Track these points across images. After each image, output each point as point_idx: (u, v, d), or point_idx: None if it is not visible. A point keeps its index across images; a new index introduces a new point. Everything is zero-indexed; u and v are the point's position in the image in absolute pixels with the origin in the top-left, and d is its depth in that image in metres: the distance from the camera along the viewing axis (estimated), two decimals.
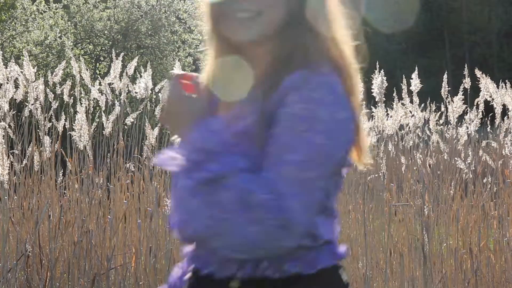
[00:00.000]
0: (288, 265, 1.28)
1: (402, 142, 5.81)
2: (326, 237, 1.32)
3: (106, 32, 13.79)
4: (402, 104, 4.73)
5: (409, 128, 5.76)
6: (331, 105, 1.25)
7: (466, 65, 4.98)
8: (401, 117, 4.66)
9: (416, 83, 4.49)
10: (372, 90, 4.02)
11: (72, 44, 13.24)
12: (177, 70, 1.41)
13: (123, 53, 5.47)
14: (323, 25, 1.34)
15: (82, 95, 4.91)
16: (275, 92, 1.26)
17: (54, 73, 4.73)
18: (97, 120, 5.16)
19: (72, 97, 5.01)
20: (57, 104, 5.03)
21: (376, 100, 4.01)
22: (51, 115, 4.92)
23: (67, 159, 4.52)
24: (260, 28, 1.32)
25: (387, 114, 4.96)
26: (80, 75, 4.76)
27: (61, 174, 4.61)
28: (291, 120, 1.23)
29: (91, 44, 14.27)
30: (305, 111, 1.23)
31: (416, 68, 4.64)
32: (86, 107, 4.35)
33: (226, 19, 1.33)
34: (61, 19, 13.38)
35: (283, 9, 1.32)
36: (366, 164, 1.45)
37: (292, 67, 1.27)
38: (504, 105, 4.54)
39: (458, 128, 4.65)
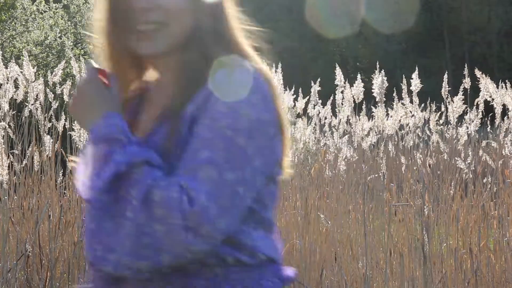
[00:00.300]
0: None
1: (402, 142, 5.81)
2: (267, 254, 1.20)
3: None
4: (402, 104, 4.73)
5: (409, 128, 5.76)
6: (256, 105, 1.17)
7: (466, 65, 4.98)
8: (401, 117, 4.66)
9: (416, 83, 4.49)
10: (372, 90, 4.02)
11: (72, 44, 13.24)
12: (94, 62, 1.30)
13: None
14: (228, 30, 1.28)
15: None
16: (195, 98, 1.18)
17: (54, 73, 4.73)
18: None
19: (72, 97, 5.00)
20: (57, 104, 5.03)
21: (376, 100, 4.01)
22: (51, 115, 4.92)
23: (67, 159, 4.52)
24: (167, 39, 1.25)
25: (387, 114, 4.96)
26: (80, 75, 4.76)
27: (61, 174, 4.61)
28: (212, 118, 1.14)
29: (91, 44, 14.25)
30: (228, 109, 1.14)
31: (416, 68, 4.64)
32: None
33: (130, 32, 1.25)
34: (61, 19, 13.38)
35: (189, 19, 1.25)
36: (286, 174, 1.30)
37: (206, 74, 1.20)
38: (504, 105, 4.54)
39: (458, 128, 4.65)
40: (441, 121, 6.47)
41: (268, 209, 1.23)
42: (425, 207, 3.86)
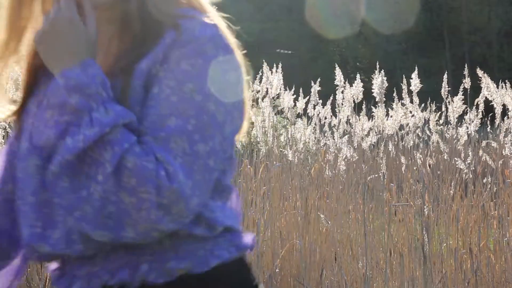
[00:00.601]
0: (172, 263, 1.05)
1: (402, 142, 5.81)
2: (224, 224, 1.09)
3: None
4: (402, 104, 4.74)
5: (409, 128, 5.76)
6: (224, 63, 1.06)
7: (466, 65, 4.98)
8: (401, 117, 4.66)
9: (416, 83, 4.49)
10: (372, 90, 4.02)
11: None
12: None
13: None
14: None
15: None
16: (153, 50, 1.05)
17: None
18: None
19: None
20: None
21: (376, 100, 4.02)
22: None
23: None
24: None
25: (387, 114, 4.96)
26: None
27: None
28: (177, 79, 1.02)
29: None
30: (193, 69, 1.03)
31: (416, 68, 4.64)
32: None
33: None
34: None
35: None
36: (241, 137, 1.18)
37: (160, 28, 1.07)
38: (504, 105, 4.55)
39: (458, 128, 4.65)
40: (441, 121, 6.47)
41: (227, 176, 1.13)
42: (425, 207, 3.86)
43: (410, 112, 4.94)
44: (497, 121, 4.94)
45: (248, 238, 1.14)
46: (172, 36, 1.05)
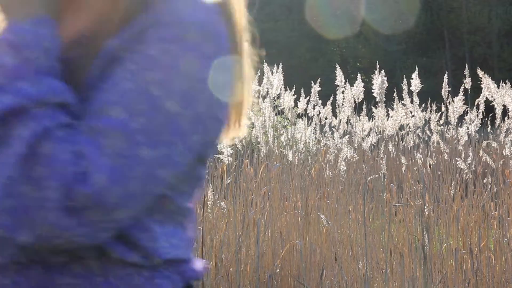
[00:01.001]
0: None
1: (402, 142, 5.81)
2: (169, 257, 0.90)
3: None
4: (403, 104, 4.74)
5: (410, 128, 5.76)
6: (205, 57, 0.85)
7: (466, 65, 4.98)
8: (401, 117, 4.66)
9: (416, 83, 4.49)
10: (372, 90, 4.02)
11: None
12: None
13: None
14: None
15: None
16: (130, 25, 0.86)
17: None
18: None
19: None
20: None
21: (377, 100, 4.02)
22: None
23: None
24: None
25: (388, 115, 4.96)
26: None
27: None
28: (139, 63, 0.82)
29: None
30: (164, 55, 0.83)
31: (416, 68, 4.64)
32: None
33: None
34: None
35: None
36: (235, 137, 1.02)
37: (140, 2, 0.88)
38: (504, 106, 4.55)
39: (459, 128, 4.65)
40: (441, 122, 6.47)
41: (186, 197, 0.93)
42: (425, 207, 3.86)
43: (411, 112, 4.94)
44: (498, 121, 4.94)
45: (197, 265, 0.96)
46: (156, 13, 0.85)
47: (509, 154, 4.39)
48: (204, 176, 0.96)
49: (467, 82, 4.67)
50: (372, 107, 4.52)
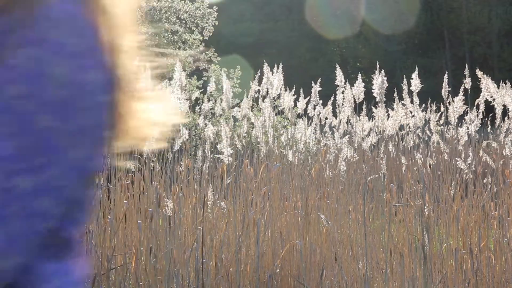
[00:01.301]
0: None
1: (402, 142, 5.81)
2: None
3: None
4: (403, 104, 4.74)
5: (410, 128, 5.76)
6: (79, 57, 0.72)
7: (466, 65, 4.98)
8: (401, 117, 4.66)
9: (416, 83, 4.49)
10: (372, 90, 4.02)
11: None
12: None
13: None
14: None
15: None
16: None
17: None
18: None
19: None
20: None
21: (377, 100, 4.02)
22: None
23: None
24: None
25: (388, 115, 4.96)
26: None
27: None
28: (9, 71, 0.68)
29: None
30: (27, 63, 0.69)
31: (416, 68, 4.64)
32: None
33: None
34: None
35: None
36: (138, 140, 0.86)
37: None
38: (504, 106, 4.55)
39: (459, 128, 4.65)
40: (441, 122, 6.47)
41: (70, 225, 0.78)
42: (425, 207, 3.86)
43: (411, 112, 4.94)
44: (498, 121, 4.94)
45: None
46: (25, 10, 0.72)
47: (509, 154, 4.39)
48: (90, 196, 0.81)
49: (467, 82, 4.67)
50: (372, 107, 4.52)
